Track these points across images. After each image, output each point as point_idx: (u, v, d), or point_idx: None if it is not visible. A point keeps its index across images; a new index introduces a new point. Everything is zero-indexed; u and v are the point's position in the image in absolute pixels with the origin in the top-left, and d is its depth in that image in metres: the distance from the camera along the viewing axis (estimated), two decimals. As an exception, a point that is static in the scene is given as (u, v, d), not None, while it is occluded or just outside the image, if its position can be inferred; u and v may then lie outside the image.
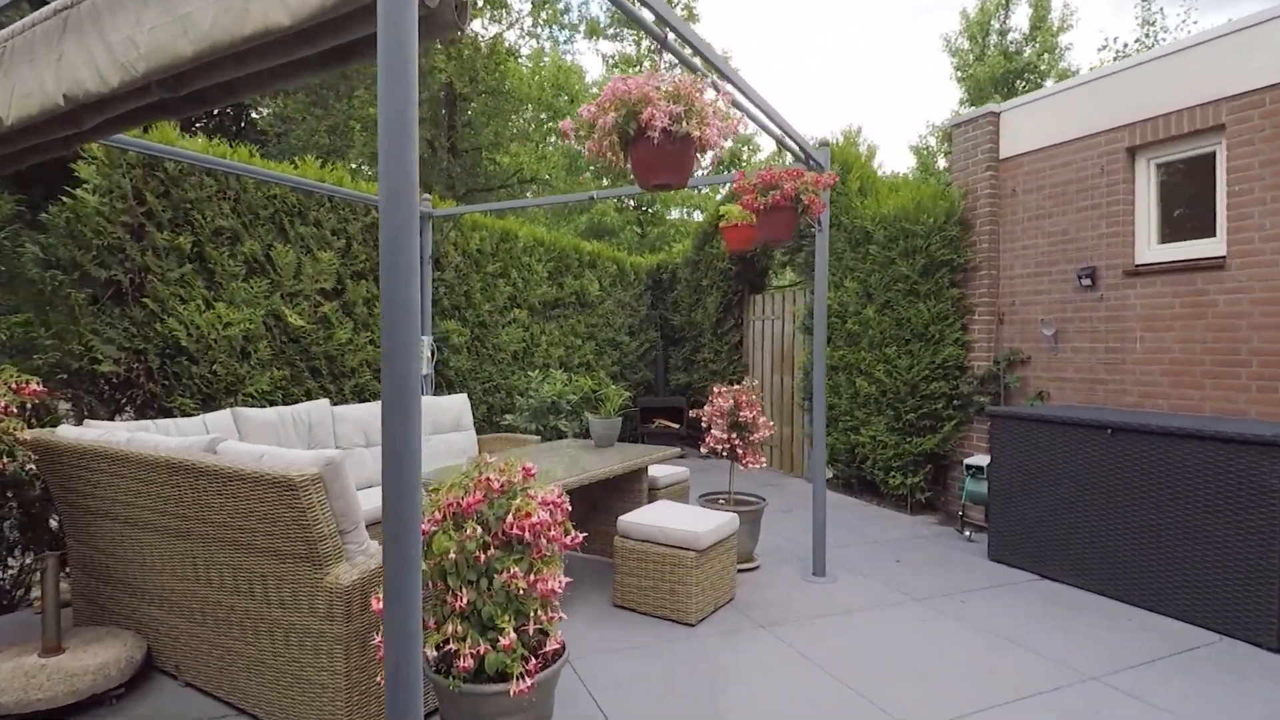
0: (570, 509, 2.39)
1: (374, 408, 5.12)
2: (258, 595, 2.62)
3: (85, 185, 4.07)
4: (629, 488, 4.67)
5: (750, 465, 4.53)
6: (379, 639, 2.01)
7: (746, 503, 4.79)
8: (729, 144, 3.10)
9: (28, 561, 3.87)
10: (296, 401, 5.09)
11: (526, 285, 7.68)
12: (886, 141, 47.43)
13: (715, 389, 4.63)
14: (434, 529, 2.14)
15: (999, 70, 18.24)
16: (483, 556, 2.13)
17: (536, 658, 2.18)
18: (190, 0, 1.75)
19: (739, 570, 4.53)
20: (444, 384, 6.55)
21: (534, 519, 2.21)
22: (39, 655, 2.79)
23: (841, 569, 4.65)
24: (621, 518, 3.93)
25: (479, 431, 6.73)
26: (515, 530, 2.18)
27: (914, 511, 6.19)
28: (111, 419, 4.17)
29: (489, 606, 2.12)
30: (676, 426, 9.10)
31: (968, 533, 5.45)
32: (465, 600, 2.10)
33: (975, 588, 4.34)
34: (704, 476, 7.29)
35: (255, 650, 2.67)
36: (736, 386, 4.63)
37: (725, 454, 4.57)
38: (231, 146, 4.83)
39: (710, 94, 2.67)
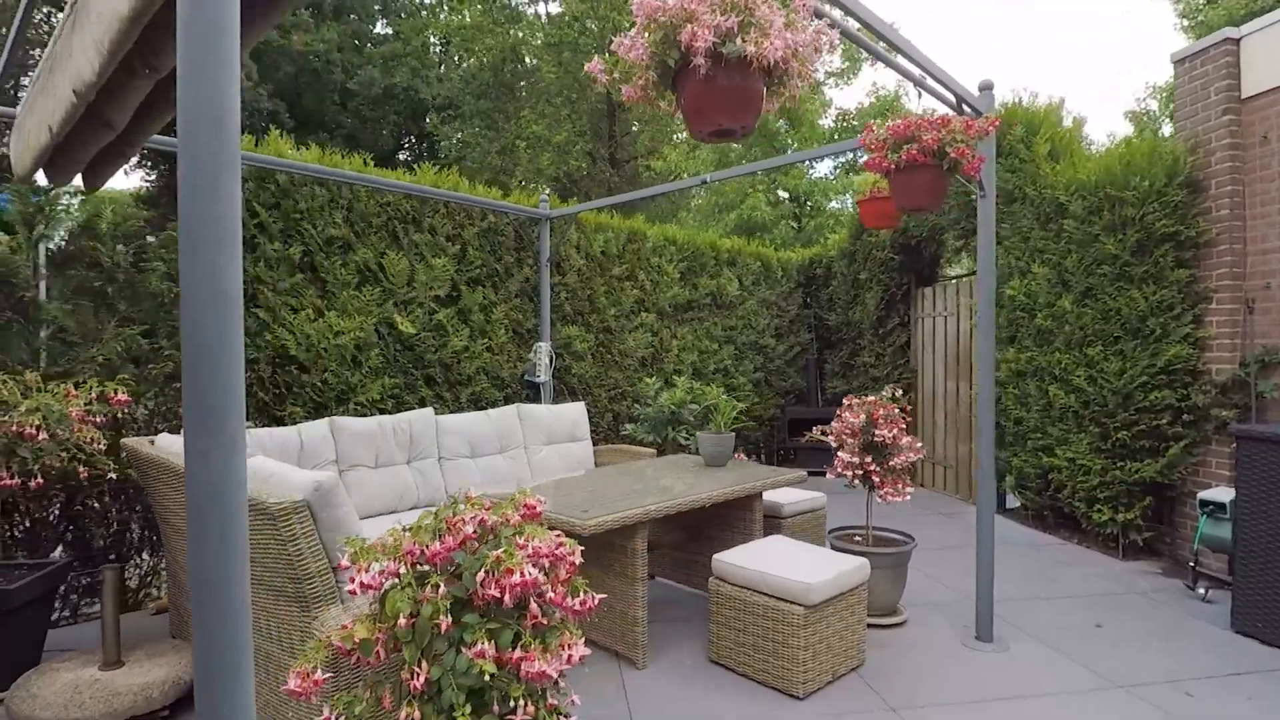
0: (577, 563, 1.82)
1: (480, 417, 4.91)
2: (262, 630, 2.34)
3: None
4: (738, 516, 3.97)
5: (891, 498, 3.64)
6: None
7: (890, 542, 3.89)
8: (820, 70, 2.28)
9: (153, 563, 4.05)
10: (410, 409, 5.01)
11: (656, 287, 7.20)
12: (1095, 114, 41.19)
13: (847, 400, 3.79)
14: (389, 582, 1.67)
15: (1238, 11, 14.68)
16: (445, 623, 1.63)
17: None
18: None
19: (880, 626, 3.66)
20: (565, 391, 6.25)
21: (516, 578, 1.67)
22: (99, 668, 2.75)
23: (1018, 632, 3.59)
24: (717, 556, 3.27)
25: (605, 441, 6.36)
26: (492, 592, 1.65)
27: (1126, 555, 4.80)
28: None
29: (450, 691, 1.61)
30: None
31: (1202, 589, 4.05)
32: (424, 678, 1.61)
33: (1210, 673, 3.10)
34: (848, 504, 6.30)
35: (266, 689, 2.40)
36: (871, 398, 3.75)
37: (858, 481, 3.71)
38: (344, 158, 4.86)
39: None
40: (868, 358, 8.10)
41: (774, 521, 4.43)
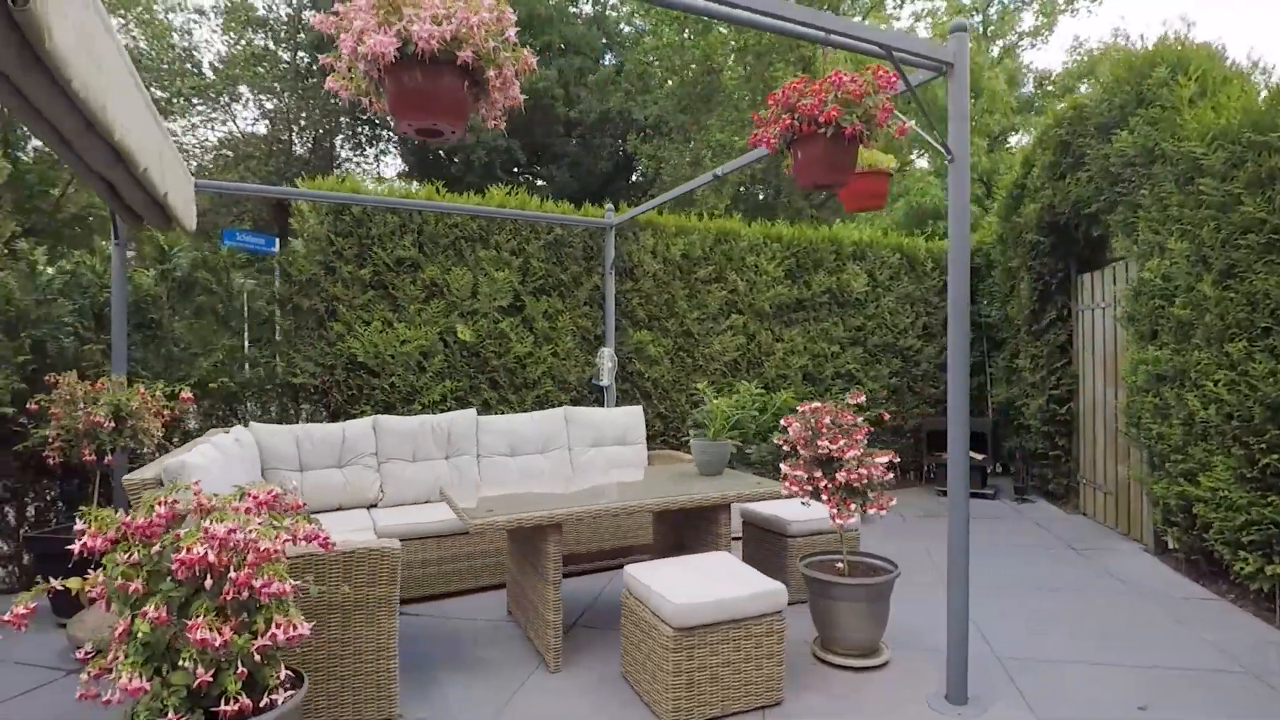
0: (275, 551, 1.98)
1: (524, 419, 5.19)
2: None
3: (296, 234, 5.13)
4: (706, 528, 3.73)
5: (839, 520, 3.14)
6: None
7: (872, 569, 3.38)
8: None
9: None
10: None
11: (752, 288, 6.90)
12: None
13: (801, 406, 3.35)
14: (106, 546, 1.99)
15: None
16: (134, 586, 1.90)
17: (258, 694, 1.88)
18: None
19: (843, 667, 3.20)
20: (638, 396, 6.30)
21: (189, 554, 1.88)
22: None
23: (1018, 697, 2.88)
24: (629, 568, 3.14)
25: (685, 447, 6.28)
26: (172, 564, 1.89)
27: (1295, 626, 3.51)
28: (307, 420, 5.15)
29: (131, 644, 1.87)
30: (979, 457, 7.03)
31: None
32: (122, 629, 1.90)
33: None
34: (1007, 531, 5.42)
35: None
36: (817, 404, 3.27)
37: (809, 499, 3.27)
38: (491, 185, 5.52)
39: None
40: (1023, 361, 6.88)
41: (779, 540, 4.07)
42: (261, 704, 1.99)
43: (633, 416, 5.55)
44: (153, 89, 16.97)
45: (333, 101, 16.86)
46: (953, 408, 2.90)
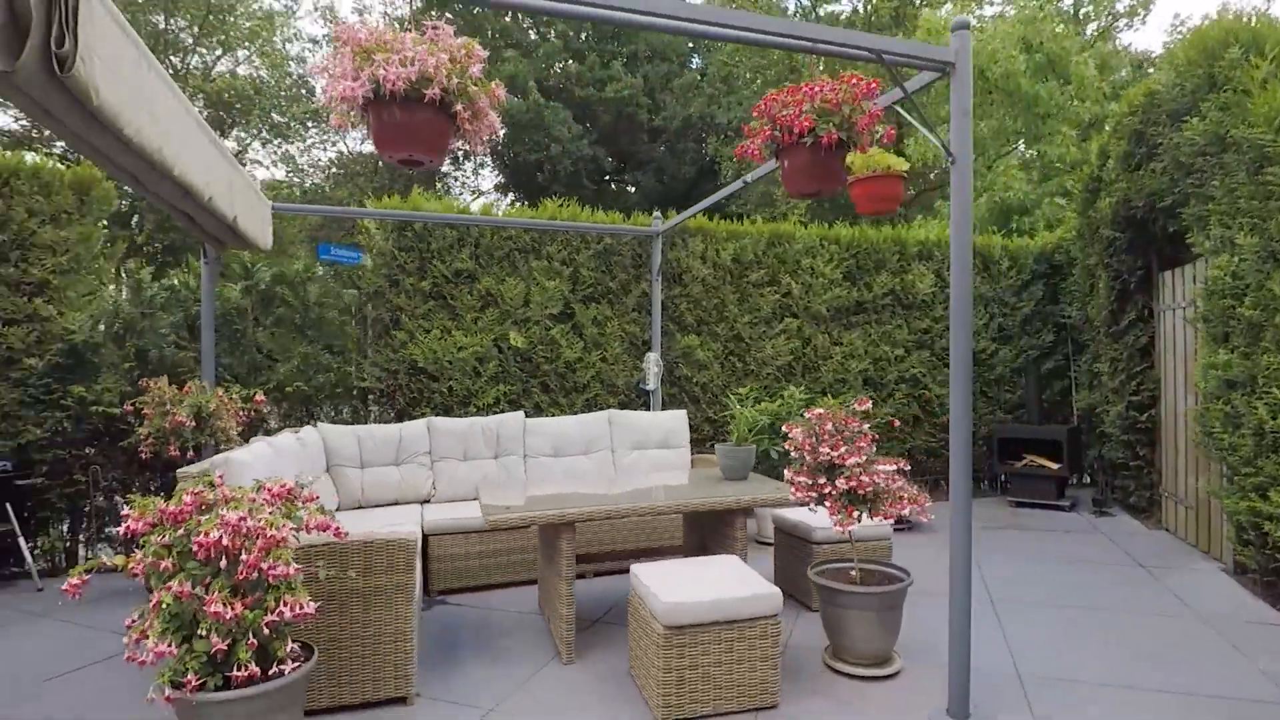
0: (281, 538, 2.25)
1: (569, 422, 5.39)
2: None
3: (367, 251, 5.59)
4: (723, 531, 3.79)
5: (840, 528, 3.11)
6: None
7: (886, 578, 3.34)
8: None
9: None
10: (527, 412, 5.78)
11: (808, 290, 6.83)
12: None
13: (809, 412, 3.34)
14: (146, 529, 2.31)
15: None
16: (165, 564, 2.22)
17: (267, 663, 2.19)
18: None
19: (851, 675, 3.19)
20: (686, 400, 6.39)
21: (212, 537, 2.18)
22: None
23: (1034, 715, 2.78)
24: (634, 567, 3.26)
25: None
26: (195, 545, 2.20)
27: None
28: (376, 420, 5.58)
29: (161, 614, 2.19)
30: (1055, 466, 6.65)
31: None
32: (155, 601, 2.23)
33: None
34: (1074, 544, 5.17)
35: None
36: (820, 410, 3.25)
37: (814, 506, 3.26)
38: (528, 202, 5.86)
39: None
40: (1103, 364, 6.44)
41: (804, 546, 4.07)
42: (271, 672, 2.27)
43: (677, 420, 5.65)
44: (273, 115, 18.59)
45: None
46: (955, 416, 2.83)
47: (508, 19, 19.66)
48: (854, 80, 2.52)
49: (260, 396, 4.52)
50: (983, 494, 7.40)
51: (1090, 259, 6.50)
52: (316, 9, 27.62)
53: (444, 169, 22.18)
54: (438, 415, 5.55)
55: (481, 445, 5.15)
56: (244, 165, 6.74)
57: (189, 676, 2.12)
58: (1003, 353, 7.41)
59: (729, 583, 3.00)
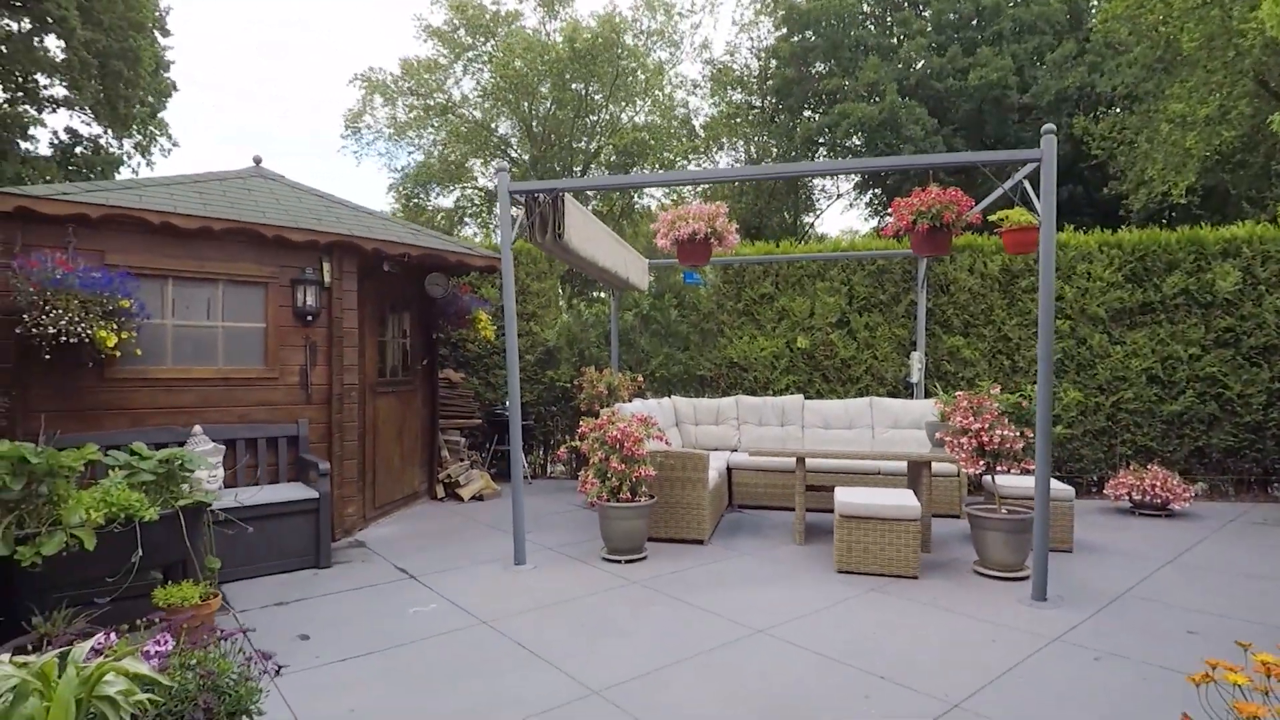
0: (639, 437, 4.91)
1: (838, 404, 7.31)
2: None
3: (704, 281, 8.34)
4: (914, 476, 5.40)
5: (968, 469, 4.53)
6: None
7: (1016, 510, 4.66)
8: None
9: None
10: (809, 396, 7.87)
11: (1083, 294, 7.43)
12: None
13: (959, 395, 4.77)
14: (586, 431, 5.16)
15: None
16: (593, 447, 5.05)
17: (634, 495, 4.93)
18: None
19: (989, 576, 4.64)
20: (948, 390, 7.64)
21: (612, 433, 4.94)
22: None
23: (1098, 606, 3.99)
24: (838, 488, 5.20)
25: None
26: (610, 437, 4.98)
27: None
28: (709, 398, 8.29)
29: (596, 465, 5.02)
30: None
31: None
32: (591, 463, 5.07)
33: None
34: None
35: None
36: (959, 393, 4.66)
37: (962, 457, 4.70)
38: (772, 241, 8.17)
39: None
40: None
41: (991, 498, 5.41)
42: (637, 501, 4.94)
43: (926, 407, 7.11)
44: (664, 154, 22.81)
45: (796, 134, 20.49)
46: (1040, 410, 4.16)
47: (863, 27, 21.01)
48: (947, 193, 4.14)
49: (640, 379, 7.54)
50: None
51: None
52: (694, 49, 32.34)
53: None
54: (745, 395, 7.99)
55: (772, 416, 7.43)
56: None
57: (603, 495, 4.90)
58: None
59: (889, 499, 4.77)
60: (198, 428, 4.93)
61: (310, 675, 3.16)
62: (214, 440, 4.98)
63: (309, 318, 5.54)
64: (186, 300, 5.19)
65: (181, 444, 4.78)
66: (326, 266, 5.60)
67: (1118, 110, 18.44)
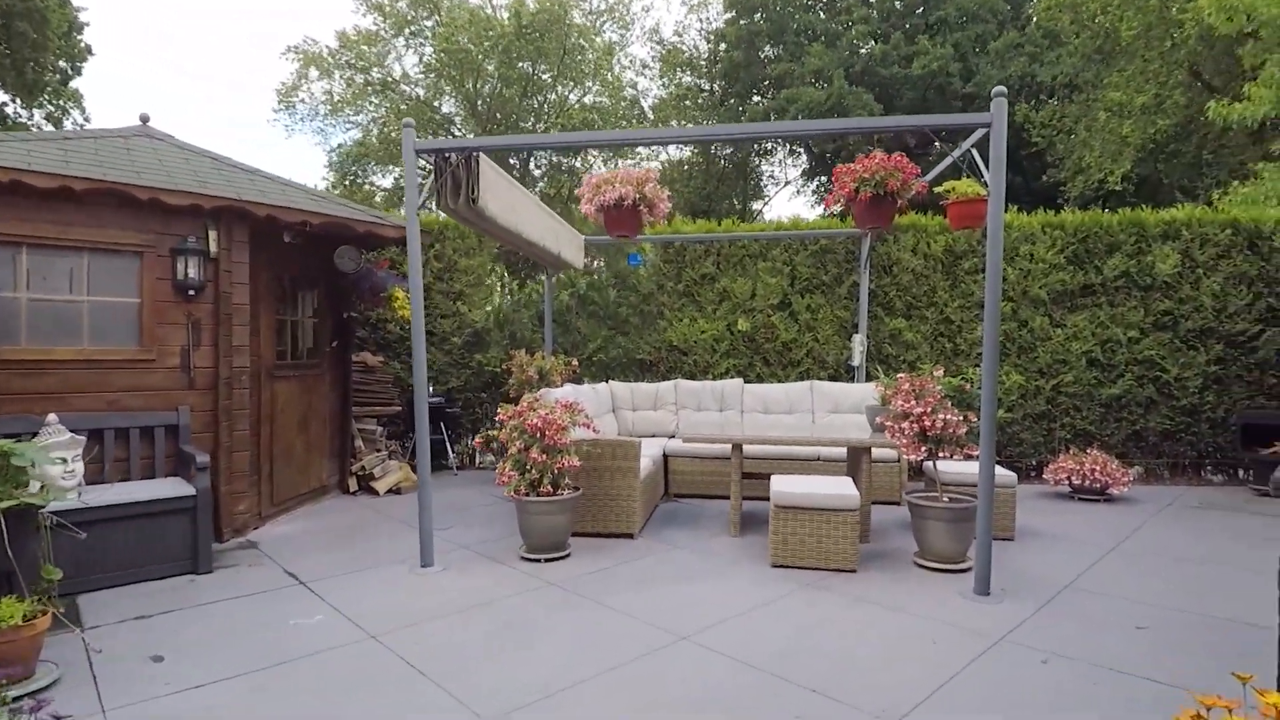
0: (563, 425, 4.49)
1: (777, 388, 7.01)
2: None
3: (644, 260, 7.92)
4: (854, 463, 5.13)
5: (910, 456, 4.27)
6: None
7: (957, 502, 4.43)
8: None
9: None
10: (750, 380, 7.56)
11: (1025, 276, 7.30)
12: None
13: (899, 378, 4.51)
14: (505, 419, 4.72)
15: None
16: (517, 444, 4.61)
17: (556, 488, 4.50)
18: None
19: (927, 567, 4.40)
20: (889, 373, 7.44)
21: (531, 422, 4.51)
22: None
23: (1038, 601, 3.77)
24: (774, 476, 4.89)
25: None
26: (530, 425, 4.54)
27: None
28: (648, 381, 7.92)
29: (514, 456, 4.58)
30: (1323, 454, 6.20)
31: None
32: (508, 453, 4.63)
33: None
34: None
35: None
36: (901, 375, 4.40)
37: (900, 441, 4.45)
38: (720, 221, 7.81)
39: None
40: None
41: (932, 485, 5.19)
42: (558, 494, 4.53)
43: (866, 391, 6.87)
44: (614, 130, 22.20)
45: (744, 118, 20.30)
46: (984, 396, 3.90)
47: (810, 12, 20.84)
48: (892, 160, 3.82)
49: (575, 363, 7.11)
50: (1237, 482, 6.98)
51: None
52: (645, 32, 31.78)
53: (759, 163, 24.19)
54: (685, 379, 7.64)
55: (711, 401, 7.10)
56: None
57: (521, 488, 4.47)
58: (1269, 334, 6.87)
59: (827, 488, 4.47)
60: (52, 416, 4.28)
61: (145, 709, 2.65)
62: (77, 430, 4.35)
63: (192, 292, 4.92)
64: (44, 271, 4.54)
65: (35, 435, 4.15)
66: (212, 235, 4.98)
67: (1056, 101, 18.74)
